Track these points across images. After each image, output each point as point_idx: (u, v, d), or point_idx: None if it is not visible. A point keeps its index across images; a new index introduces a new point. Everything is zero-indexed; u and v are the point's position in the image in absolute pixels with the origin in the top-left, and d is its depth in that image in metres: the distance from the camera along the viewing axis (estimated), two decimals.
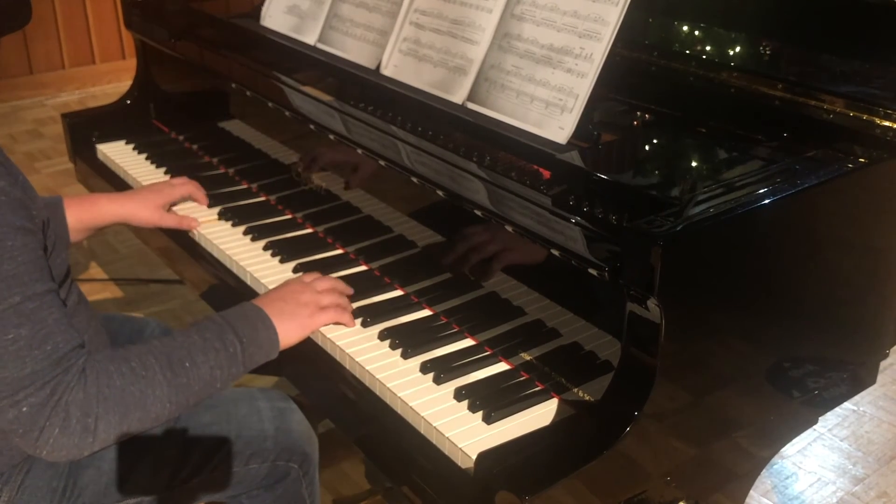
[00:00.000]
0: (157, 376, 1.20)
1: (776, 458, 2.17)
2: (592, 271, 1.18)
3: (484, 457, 1.14)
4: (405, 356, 1.40)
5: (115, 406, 1.15)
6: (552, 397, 1.30)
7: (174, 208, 1.88)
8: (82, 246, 3.40)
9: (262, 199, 1.96)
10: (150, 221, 1.80)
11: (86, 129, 2.34)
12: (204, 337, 1.27)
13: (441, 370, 1.34)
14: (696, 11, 1.67)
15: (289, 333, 1.38)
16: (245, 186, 2.02)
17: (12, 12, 1.25)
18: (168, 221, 1.82)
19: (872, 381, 1.53)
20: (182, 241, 1.87)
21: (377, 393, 1.36)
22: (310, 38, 1.90)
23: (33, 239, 1.15)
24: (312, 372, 1.52)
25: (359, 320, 1.48)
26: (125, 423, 1.17)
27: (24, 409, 1.10)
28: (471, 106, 1.53)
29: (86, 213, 1.69)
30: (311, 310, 1.42)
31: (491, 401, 1.27)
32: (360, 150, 1.60)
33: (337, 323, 1.46)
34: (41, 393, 1.10)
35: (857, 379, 1.50)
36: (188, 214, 1.86)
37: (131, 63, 2.56)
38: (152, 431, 1.37)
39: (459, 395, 1.30)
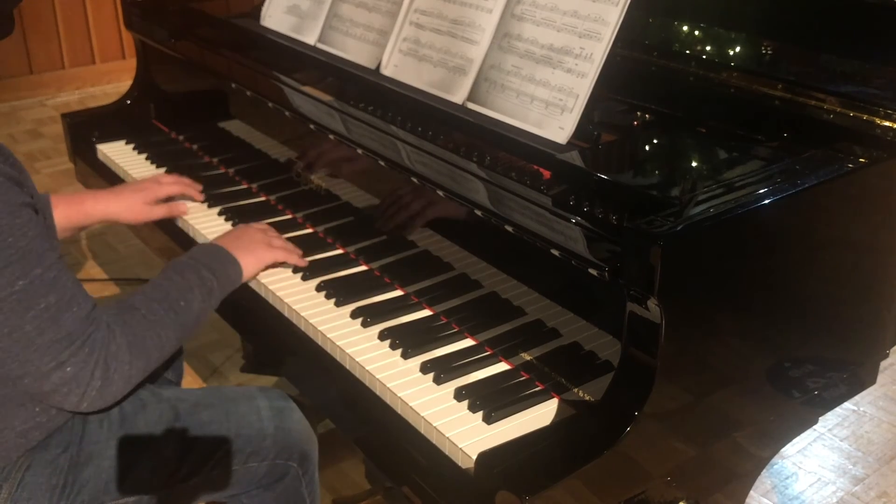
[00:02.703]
0: (164, 319, 1.32)
1: (776, 458, 2.17)
2: (592, 271, 1.18)
3: (484, 457, 1.14)
4: (405, 356, 1.40)
5: (142, 351, 1.27)
6: (552, 397, 1.30)
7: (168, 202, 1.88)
8: (82, 246, 3.40)
9: (262, 199, 1.96)
10: (135, 219, 1.81)
11: (86, 129, 2.34)
12: (185, 277, 1.40)
13: (441, 370, 1.34)
14: (696, 11, 1.67)
15: (248, 266, 1.54)
16: (245, 186, 2.02)
17: None
18: (156, 214, 1.83)
19: (872, 382, 1.53)
20: (182, 242, 1.87)
21: (377, 393, 1.36)
22: (310, 38, 1.90)
23: (33, 213, 1.19)
24: (312, 372, 1.52)
25: (359, 320, 1.48)
26: (149, 367, 1.29)
27: (69, 368, 1.17)
28: (471, 106, 1.53)
29: (73, 212, 1.70)
30: (264, 246, 1.58)
31: (491, 401, 1.27)
32: (360, 150, 1.60)
33: (284, 262, 1.61)
34: (82, 351, 1.18)
35: (857, 379, 1.50)
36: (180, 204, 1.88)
37: (131, 63, 2.56)
38: (152, 430, 1.38)
39: (459, 395, 1.30)
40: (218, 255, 1.51)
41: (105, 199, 1.78)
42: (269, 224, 1.81)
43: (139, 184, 1.86)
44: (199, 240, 1.82)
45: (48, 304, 1.16)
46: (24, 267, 1.14)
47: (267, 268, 1.61)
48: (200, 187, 1.93)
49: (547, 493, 1.08)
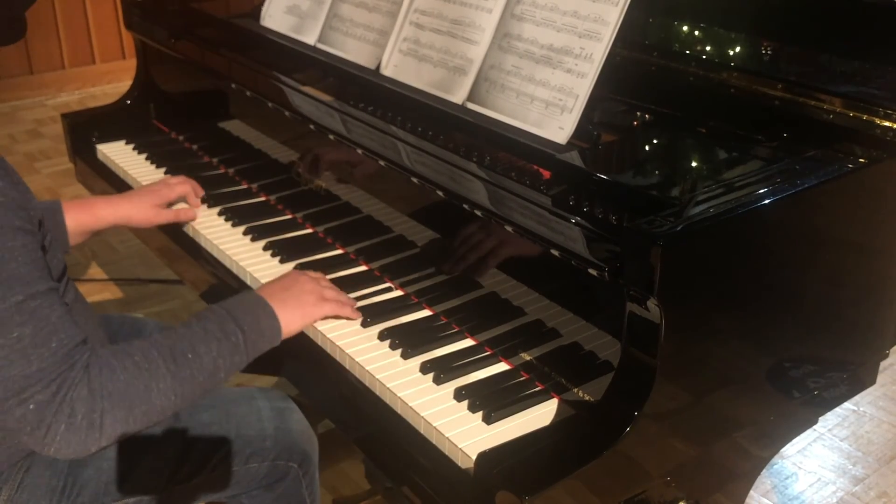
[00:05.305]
0: (160, 369, 1.19)
1: (776, 458, 2.17)
2: (592, 271, 1.18)
3: (484, 457, 1.14)
4: (405, 356, 1.40)
5: (121, 400, 1.15)
6: (552, 397, 1.30)
7: (176, 206, 1.88)
8: (83, 246, 3.40)
9: (262, 199, 1.96)
10: (146, 222, 1.80)
11: (86, 129, 2.34)
12: (205, 328, 1.27)
13: (441, 370, 1.34)
14: (696, 11, 1.67)
15: (291, 321, 1.38)
16: (245, 186, 2.02)
17: (5, 30, 1.26)
18: (165, 218, 1.82)
19: (872, 382, 1.53)
20: (182, 242, 1.87)
21: (377, 393, 1.36)
22: (310, 38, 1.90)
23: (32, 239, 1.15)
24: (312, 372, 1.52)
25: (359, 320, 1.48)
26: (131, 418, 1.17)
27: (31, 406, 1.10)
28: (471, 106, 1.53)
29: (83, 217, 1.69)
30: (314, 298, 1.43)
31: (491, 401, 1.27)
32: (360, 150, 1.60)
33: (337, 316, 1.46)
34: (47, 390, 1.10)
35: (857, 379, 1.50)
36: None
37: (131, 63, 2.56)
38: (152, 430, 1.38)
39: (459, 395, 1.30)
40: (254, 307, 1.34)
41: (116, 203, 1.78)
42: (269, 224, 1.82)
43: (149, 187, 1.87)
44: (200, 240, 1.83)
45: (21, 334, 1.09)
46: (4, 291, 1.08)
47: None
48: (205, 191, 1.93)
49: (547, 493, 1.07)
